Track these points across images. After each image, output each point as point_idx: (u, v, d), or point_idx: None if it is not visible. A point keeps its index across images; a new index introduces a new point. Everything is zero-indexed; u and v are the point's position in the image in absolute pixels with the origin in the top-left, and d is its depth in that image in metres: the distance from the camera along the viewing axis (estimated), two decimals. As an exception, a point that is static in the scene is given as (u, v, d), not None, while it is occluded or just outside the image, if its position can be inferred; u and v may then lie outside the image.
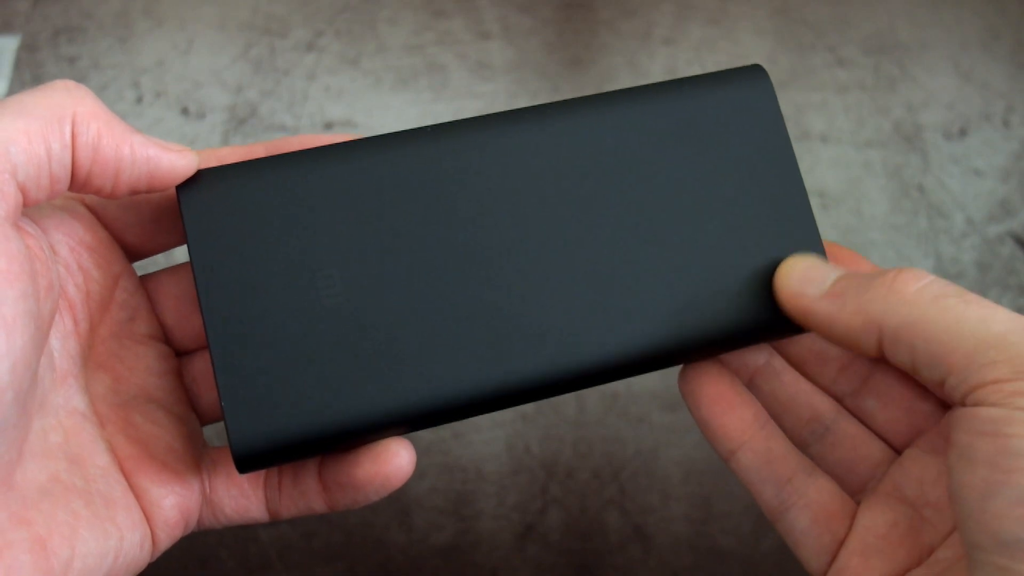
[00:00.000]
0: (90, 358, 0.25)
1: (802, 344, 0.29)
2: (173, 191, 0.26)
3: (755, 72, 0.28)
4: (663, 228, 0.27)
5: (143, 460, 0.25)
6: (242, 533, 0.45)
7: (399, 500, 0.45)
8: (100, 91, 0.49)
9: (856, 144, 0.49)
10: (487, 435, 0.46)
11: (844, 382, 0.29)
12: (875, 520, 0.27)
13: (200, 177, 0.25)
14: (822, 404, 0.29)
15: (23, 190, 0.22)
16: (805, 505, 0.27)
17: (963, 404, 0.22)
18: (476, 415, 0.26)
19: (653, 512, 0.46)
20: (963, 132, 0.49)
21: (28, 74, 0.49)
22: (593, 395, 0.46)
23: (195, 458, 0.26)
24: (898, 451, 0.28)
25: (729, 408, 0.28)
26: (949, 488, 0.22)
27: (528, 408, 0.46)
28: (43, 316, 0.22)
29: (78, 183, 0.23)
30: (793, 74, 0.50)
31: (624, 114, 0.27)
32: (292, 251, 0.25)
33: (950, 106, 0.50)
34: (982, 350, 0.22)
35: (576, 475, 0.46)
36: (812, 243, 0.27)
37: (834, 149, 0.49)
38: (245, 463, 0.24)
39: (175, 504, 0.25)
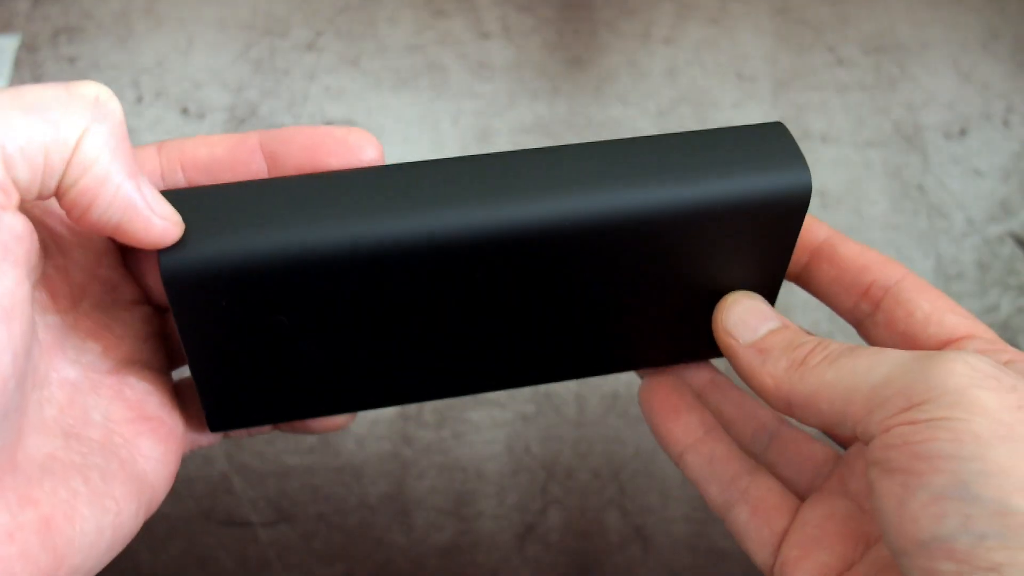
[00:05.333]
0: (77, 328, 0.26)
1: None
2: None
3: (797, 169, 0.25)
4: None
5: (140, 421, 0.26)
6: (241, 534, 0.45)
7: (399, 500, 0.45)
8: (100, 91, 0.49)
9: (856, 144, 0.49)
10: (487, 435, 0.46)
11: None
12: (813, 513, 0.28)
13: (184, 242, 0.24)
14: (766, 415, 0.30)
15: (15, 185, 0.22)
16: (746, 501, 0.29)
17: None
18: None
19: (653, 512, 0.46)
20: (963, 132, 0.49)
21: (28, 74, 0.49)
22: (593, 395, 0.46)
23: (178, 406, 0.28)
24: (844, 447, 0.29)
25: (675, 415, 0.30)
26: (871, 503, 0.23)
27: (528, 408, 0.46)
28: (32, 296, 0.22)
29: (58, 194, 0.23)
30: (793, 74, 0.50)
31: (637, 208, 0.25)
32: (274, 320, 0.26)
33: (950, 106, 0.50)
34: (876, 392, 0.23)
35: (576, 475, 0.46)
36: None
37: (834, 149, 0.49)
38: (216, 427, 0.28)
39: (172, 453, 0.27)
